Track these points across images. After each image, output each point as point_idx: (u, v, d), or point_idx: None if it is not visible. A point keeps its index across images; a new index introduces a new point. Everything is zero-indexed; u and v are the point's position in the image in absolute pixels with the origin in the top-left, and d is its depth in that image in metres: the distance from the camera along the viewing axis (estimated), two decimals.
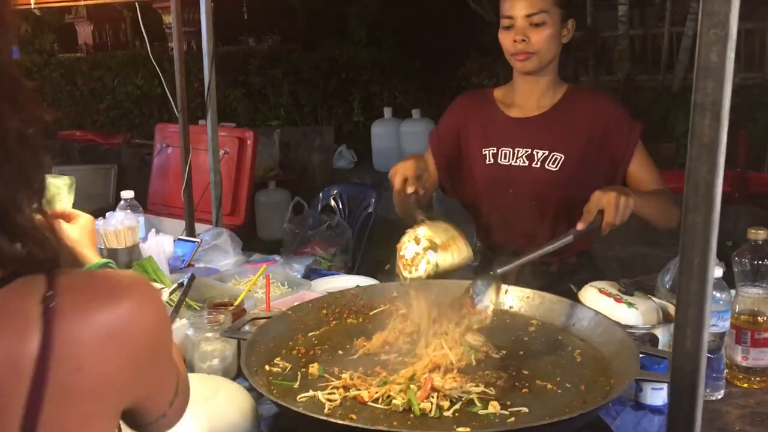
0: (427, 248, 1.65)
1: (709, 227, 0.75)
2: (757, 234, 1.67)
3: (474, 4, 6.79)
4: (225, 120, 7.28)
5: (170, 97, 3.03)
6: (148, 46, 3.11)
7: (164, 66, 3.39)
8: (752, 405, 1.59)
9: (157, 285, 2.04)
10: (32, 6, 3.18)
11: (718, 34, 0.72)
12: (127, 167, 7.93)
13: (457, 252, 1.66)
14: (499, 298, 1.67)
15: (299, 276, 2.43)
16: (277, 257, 2.69)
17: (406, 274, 1.66)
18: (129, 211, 2.51)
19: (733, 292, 1.68)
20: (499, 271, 1.66)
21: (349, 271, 3.82)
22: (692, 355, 0.78)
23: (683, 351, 0.79)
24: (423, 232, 1.67)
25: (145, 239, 2.53)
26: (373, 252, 4.08)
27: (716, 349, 1.62)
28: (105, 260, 1.45)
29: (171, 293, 2.02)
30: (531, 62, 2.09)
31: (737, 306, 1.67)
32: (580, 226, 1.73)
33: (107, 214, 2.39)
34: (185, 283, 2.03)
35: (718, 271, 1.62)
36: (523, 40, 2.05)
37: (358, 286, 2.01)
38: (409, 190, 1.82)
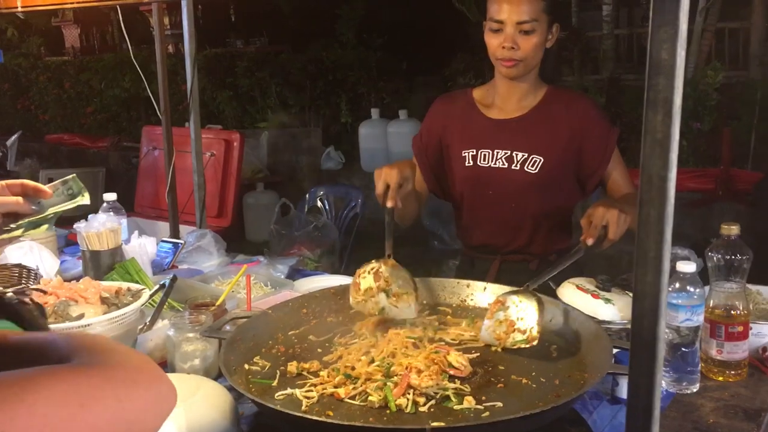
0: (381, 288, 1.72)
1: (663, 220, 0.77)
2: (730, 229, 1.68)
3: (459, 4, 6.81)
4: (213, 122, 7.29)
5: (153, 100, 3.03)
6: (130, 48, 3.10)
7: (151, 69, 3.39)
8: (726, 398, 1.61)
9: (139, 286, 2.05)
10: (18, 8, 3.17)
11: (668, 32, 0.74)
12: (115, 170, 7.92)
13: (405, 306, 1.72)
14: (543, 317, 1.63)
15: (283, 276, 2.44)
16: (261, 258, 2.70)
17: (351, 299, 1.75)
18: (112, 213, 2.51)
19: (707, 288, 1.70)
20: (532, 287, 1.67)
21: (336, 271, 3.83)
22: (649, 345, 0.80)
23: (641, 341, 0.81)
24: (385, 272, 1.74)
25: (127, 241, 2.53)
26: (360, 252, 4.09)
27: (691, 343, 1.64)
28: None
29: (152, 294, 2.03)
30: (517, 69, 2.08)
31: (711, 300, 1.69)
32: (590, 242, 1.75)
33: (89, 216, 2.40)
34: (167, 285, 2.04)
35: (692, 266, 1.64)
36: (512, 48, 2.04)
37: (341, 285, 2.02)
38: (389, 204, 1.84)
